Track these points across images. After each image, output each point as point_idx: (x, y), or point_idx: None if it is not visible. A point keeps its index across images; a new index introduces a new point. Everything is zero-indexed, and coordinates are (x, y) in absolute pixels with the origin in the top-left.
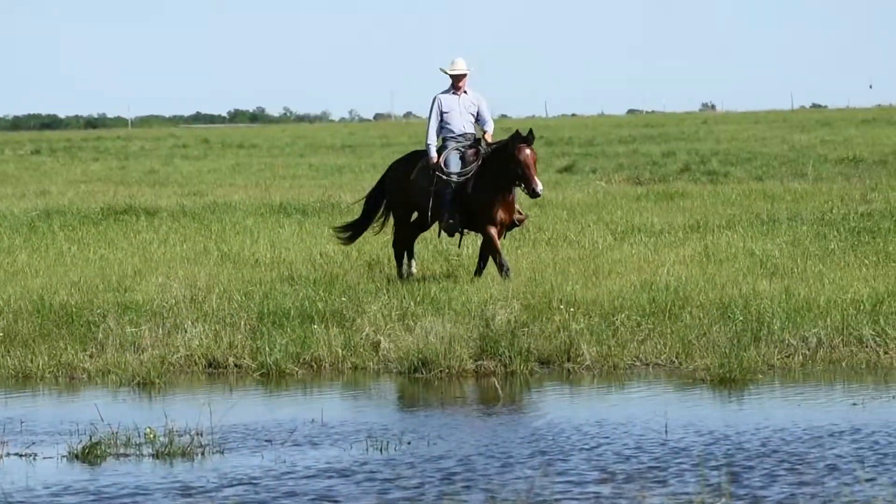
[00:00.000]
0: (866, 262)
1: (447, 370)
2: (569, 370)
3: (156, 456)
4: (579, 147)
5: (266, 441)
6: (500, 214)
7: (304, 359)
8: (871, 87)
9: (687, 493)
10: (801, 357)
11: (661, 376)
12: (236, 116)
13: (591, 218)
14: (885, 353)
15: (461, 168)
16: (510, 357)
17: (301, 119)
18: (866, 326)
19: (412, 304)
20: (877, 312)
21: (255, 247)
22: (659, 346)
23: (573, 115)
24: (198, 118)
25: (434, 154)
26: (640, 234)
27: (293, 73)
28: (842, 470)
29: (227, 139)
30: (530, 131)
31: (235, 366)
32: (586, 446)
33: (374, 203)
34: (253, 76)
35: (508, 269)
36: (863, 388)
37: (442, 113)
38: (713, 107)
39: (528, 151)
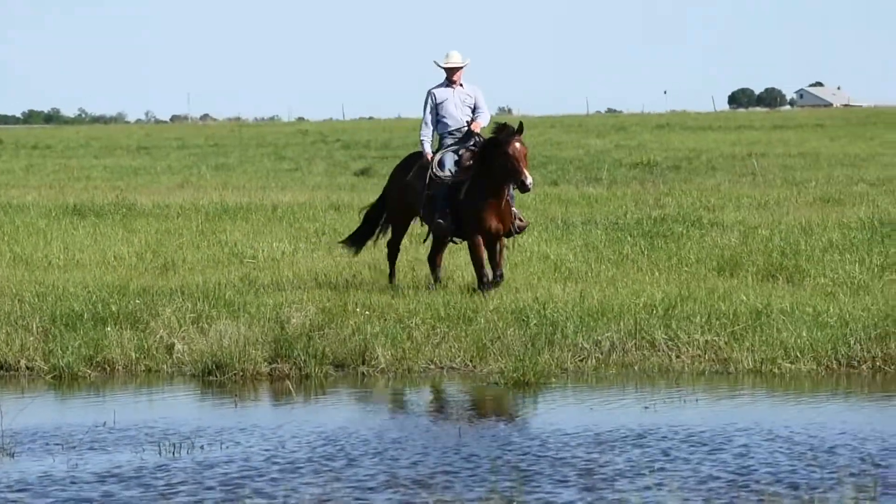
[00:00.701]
0: (659, 266)
1: (241, 373)
2: (363, 373)
3: None
4: (376, 150)
5: (56, 444)
6: (492, 222)
7: (97, 361)
8: (665, 92)
9: (475, 500)
10: (594, 361)
11: (455, 379)
12: (31, 117)
13: None
14: (678, 356)
15: (456, 169)
16: (305, 360)
17: (96, 120)
18: (659, 330)
19: (207, 307)
20: (669, 316)
21: (49, 248)
22: (454, 350)
23: (370, 117)
24: None
25: (428, 150)
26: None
27: (88, 73)
28: (630, 475)
29: (20, 140)
30: (520, 124)
31: (27, 368)
32: (376, 450)
33: (376, 211)
34: (48, 77)
35: (489, 283)
36: (655, 392)
37: (437, 106)
38: (510, 111)
39: (517, 145)
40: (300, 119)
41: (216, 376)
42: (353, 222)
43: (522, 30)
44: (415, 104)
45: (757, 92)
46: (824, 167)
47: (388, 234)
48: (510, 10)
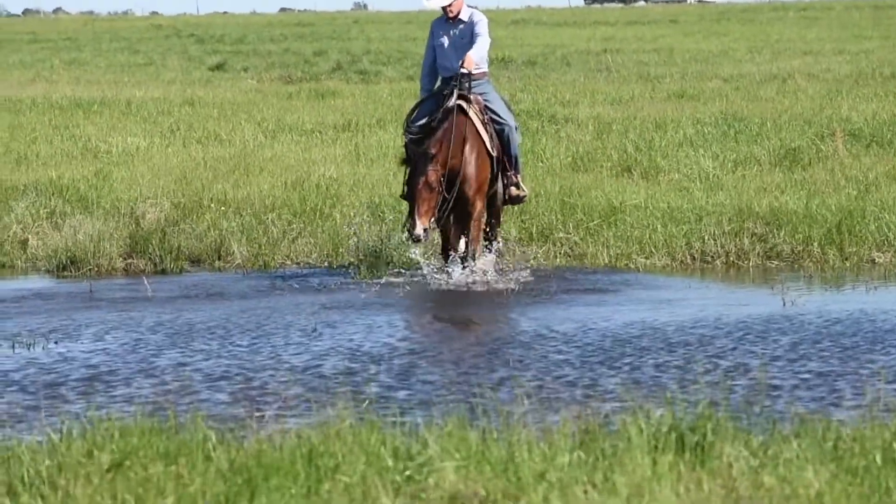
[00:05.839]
0: None
1: (96, 269)
2: (220, 269)
3: None
4: (230, 45)
5: None
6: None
7: None
8: None
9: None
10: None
11: (312, 276)
12: None
13: (242, 116)
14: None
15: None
16: (160, 256)
17: None
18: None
19: (60, 202)
20: (521, 212)
21: None
22: (310, 246)
23: (224, 12)
24: None
25: None
26: (291, 133)
27: None
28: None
29: None
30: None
31: None
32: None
33: None
34: None
35: (455, 260)
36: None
37: (435, 47)
38: (365, 6)
39: (421, 180)
40: (154, 13)
41: (71, 272)
42: (209, 118)
43: None
44: (268, 0)
45: None
46: (678, 63)
47: None
48: None
